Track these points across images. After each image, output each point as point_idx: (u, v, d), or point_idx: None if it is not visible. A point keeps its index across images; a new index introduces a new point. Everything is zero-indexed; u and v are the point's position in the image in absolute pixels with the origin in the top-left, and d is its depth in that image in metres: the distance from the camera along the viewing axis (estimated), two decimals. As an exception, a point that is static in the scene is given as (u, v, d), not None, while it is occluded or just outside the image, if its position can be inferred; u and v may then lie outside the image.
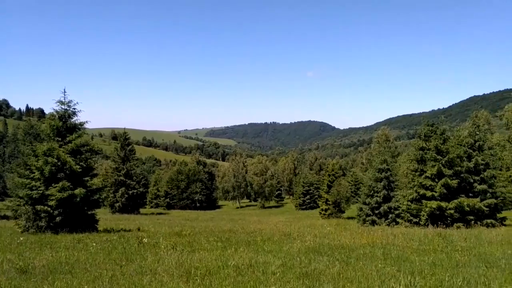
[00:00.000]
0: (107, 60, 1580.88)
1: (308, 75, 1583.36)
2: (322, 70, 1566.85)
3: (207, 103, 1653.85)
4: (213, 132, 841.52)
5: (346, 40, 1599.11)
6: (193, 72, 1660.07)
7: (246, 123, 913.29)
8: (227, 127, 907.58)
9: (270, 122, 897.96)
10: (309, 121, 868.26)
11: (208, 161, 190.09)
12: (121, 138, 63.45)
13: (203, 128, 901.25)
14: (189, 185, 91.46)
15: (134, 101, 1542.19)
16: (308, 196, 76.10)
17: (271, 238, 16.87)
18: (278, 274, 8.75)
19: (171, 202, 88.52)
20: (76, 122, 21.20)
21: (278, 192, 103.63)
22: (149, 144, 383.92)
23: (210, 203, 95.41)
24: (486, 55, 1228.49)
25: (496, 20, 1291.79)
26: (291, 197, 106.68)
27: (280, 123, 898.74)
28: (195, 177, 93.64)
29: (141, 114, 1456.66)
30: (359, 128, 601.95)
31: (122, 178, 59.83)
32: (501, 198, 31.79)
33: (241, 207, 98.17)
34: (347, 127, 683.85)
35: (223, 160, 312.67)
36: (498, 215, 28.77)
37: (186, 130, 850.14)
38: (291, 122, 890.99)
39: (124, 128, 65.71)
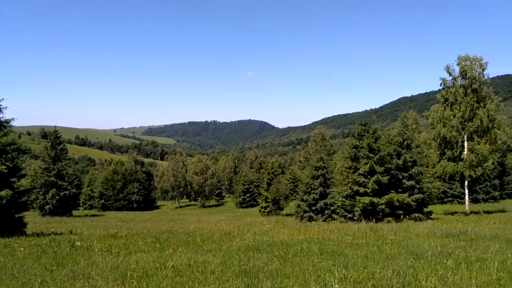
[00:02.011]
0: (35, 51, 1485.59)
1: (248, 75, 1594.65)
2: (262, 70, 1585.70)
3: (145, 101, 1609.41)
4: (151, 131, 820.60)
5: (284, 41, 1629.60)
6: (130, 68, 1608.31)
7: (186, 122, 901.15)
8: (166, 125, 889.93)
9: (211, 121, 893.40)
10: (250, 120, 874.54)
11: (146, 160, 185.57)
12: (52, 136, 60.13)
13: (140, 127, 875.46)
14: (126, 186, 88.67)
15: (66, 98, 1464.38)
16: (248, 194, 76.68)
17: (211, 238, 16.80)
18: (217, 273, 8.74)
19: (106, 203, 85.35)
20: (1, 119, 19.81)
21: (219, 191, 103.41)
22: (83, 143, 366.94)
23: (148, 204, 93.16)
24: (414, 59, 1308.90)
25: (424, 25, 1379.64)
26: (231, 195, 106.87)
27: (221, 121, 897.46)
28: (132, 177, 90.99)
29: (73, 111, 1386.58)
30: (298, 127, 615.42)
31: (52, 179, 56.71)
32: (427, 193, 34.08)
33: (181, 207, 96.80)
34: (286, 126, 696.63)
35: (162, 159, 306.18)
36: (424, 209, 30.75)
37: (123, 128, 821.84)
38: (231, 121, 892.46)
39: (55, 126, 62.41)
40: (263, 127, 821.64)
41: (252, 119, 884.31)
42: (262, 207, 53.47)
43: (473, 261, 9.43)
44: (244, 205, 76.08)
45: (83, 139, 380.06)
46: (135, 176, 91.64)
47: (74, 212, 62.85)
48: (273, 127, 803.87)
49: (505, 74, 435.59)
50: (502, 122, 38.47)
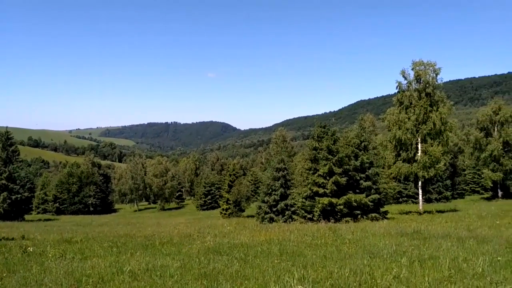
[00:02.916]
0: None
1: (209, 76, 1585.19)
2: (223, 71, 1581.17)
3: (102, 101, 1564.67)
4: (109, 132, 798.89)
5: (245, 42, 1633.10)
6: (86, 67, 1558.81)
7: (146, 123, 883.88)
8: (125, 126, 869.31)
9: (171, 122, 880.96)
10: (211, 122, 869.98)
11: (104, 162, 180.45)
12: (3, 137, 57.32)
13: (97, 128, 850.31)
14: (82, 188, 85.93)
15: (18, 98, 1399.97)
16: (209, 196, 76.24)
17: (170, 241, 16.54)
18: (176, 276, 8.62)
19: (61, 207, 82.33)
20: None
21: (179, 193, 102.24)
22: (36, 144, 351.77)
23: (105, 207, 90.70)
24: (371, 63, 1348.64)
25: (381, 30, 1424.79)
26: (192, 198, 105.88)
27: (182, 123, 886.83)
28: (88, 179, 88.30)
29: (26, 111, 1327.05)
30: (259, 129, 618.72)
31: (3, 182, 54.06)
32: (384, 193, 35.17)
33: (140, 210, 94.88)
34: (248, 128, 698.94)
35: (120, 161, 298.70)
36: (381, 209, 31.68)
37: (79, 129, 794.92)
38: (192, 122, 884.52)
39: (6, 127, 59.66)
40: (224, 129, 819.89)
41: (214, 120, 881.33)
42: (223, 209, 53.29)
43: (426, 259, 9.78)
44: (205, 207, 75.56)
45: (36, 140, 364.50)
46: (91, 179, 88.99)
47: (27, 217, 60.31)
48: (234, 129, 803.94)
49: (456, 79, 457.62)
50: (453, 125, 40.31)
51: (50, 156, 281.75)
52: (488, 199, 58.98)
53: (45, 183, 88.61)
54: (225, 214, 52.14)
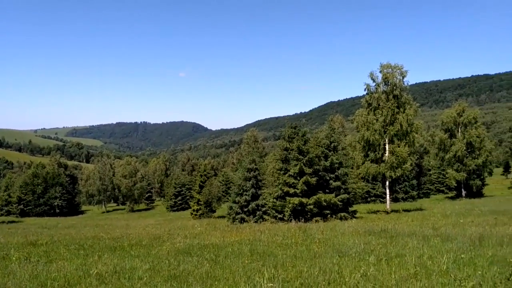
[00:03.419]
0: None
1: (181, 76, 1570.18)
2: (194, 71, 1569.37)
3: (68, 100, 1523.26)
4: (76, 132, 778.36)
5: (217, 43, 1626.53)
6: (52, 65, 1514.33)
7: (114, 122, 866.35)
8: (92, 126, 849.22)
9: (141, 122, 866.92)
10: (182, 122, 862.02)
11: (70, 163, 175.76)
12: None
13: (64, 127, 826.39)
14: (47, 190, 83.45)
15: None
16: (180, 197, 75.55)
17: (140, 242, 16.28)
18: (145, 278, 8.49)
19: (25, 209, 79.69)
20: None
21: (149, 194, 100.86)
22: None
23: (72, 209, 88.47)
24: (341, 65, 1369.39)
25: (349, 34, 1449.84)
26: (162, 199, 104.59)
27: (152, 123, 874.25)
28: (54, 180, 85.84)
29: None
30: (231, 129, 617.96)
31: (-38, 183, 51.83)
32: (353, 193, 35.75)
33: (108, 211, 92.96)
34: (219, 128, 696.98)
35: (88, 162, 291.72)
36: (350, 208, 32.24)
37: (44, 129, 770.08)
38: (163, 122, 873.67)
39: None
40: (195, 129, 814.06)
41: (185, 120, 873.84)
42: (194, 210, 52.89)
43: (393, 257, 10.01)
44: (176, 208, 74.83)
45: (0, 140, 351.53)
46: (57, 180, 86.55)
47: (-12, 219, 58.03)
48: (206, 129, 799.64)
49: (422, 82, 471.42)
50: (419, 126, 41.48)
51: (14, 156, 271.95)
52: (452, 198, 61.01)
53: (9, 184, 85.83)
54: (196, 215, 51.77)
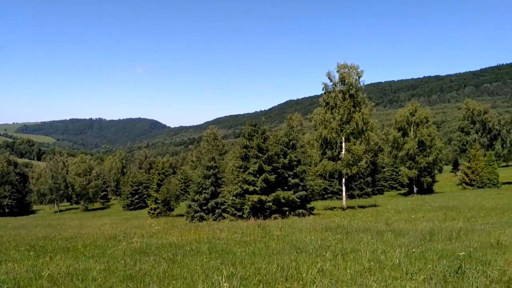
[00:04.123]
0: None
1: (138, 71, 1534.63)
2: (152, 66, 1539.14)
3: (18, 95, 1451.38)
4: (26, 128, 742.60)
5: (176, 38, 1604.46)
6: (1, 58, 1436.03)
7: (68, 119, 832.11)
8: (44, 122, 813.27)
9: (96, 118, 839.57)
10: (139, 118, 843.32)
11: (20, 161, 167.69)
12: None
13: (14, 123, 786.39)
14: (-5, 189, 79.38)
15: None
16: (136, 196, 74.16)
17: (94, 243, 15.81)
18: (99, 279, 8.25)
19: (-30, 209, 75.39)
20: None
21: (104, 193, 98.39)
22: None
23: (22, 208, 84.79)
24: (299, 64, 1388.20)
25: (308, 33, 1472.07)
26: (118, 197, 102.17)
27: (107, 119, 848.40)
28: (3, 179, 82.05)
29: None
30: (190, 127, 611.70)
31: None
32: (310, 190, 36.47)
33: (61, 211, 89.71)
34: (178, 126, 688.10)
35: (39, 159, 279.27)
36: (307, 205, 32.80)
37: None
38: (119, 119, 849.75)
39: None
40: (153, 126, 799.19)
41: (142, 117, 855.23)
42: (151, 209, 52.04)
43: (348, 252, 10.26)
44: (132, 207, 73.33)
45: None
46: (7, 178, 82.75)
47: None
48: (164, 126, 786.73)
49: (377, 82, 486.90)
50: (374, 125, 42.86)
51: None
52: (404, 194, 63.48)
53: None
54: (153, 213, 50.94)
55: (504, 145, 72.93)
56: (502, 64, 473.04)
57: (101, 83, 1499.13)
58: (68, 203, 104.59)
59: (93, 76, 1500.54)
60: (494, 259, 8.51)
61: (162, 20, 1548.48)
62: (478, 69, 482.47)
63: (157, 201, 51.22)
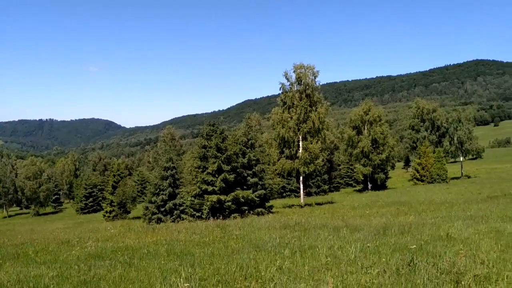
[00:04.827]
0: None
1: (91, 70, 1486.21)
2: (106, 65, 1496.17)
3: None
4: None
5: (131, 37, 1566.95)
6: None
7: (16, 120, 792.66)
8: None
9: (47, 119, 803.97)
10: (93, 119, 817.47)
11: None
12: None
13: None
14: None
15: None
16: (91, 199, 71.90)
17: (46, 248, 15.15)
18: (52, 286, 7.96)
19: None
20: None
21: (56, 196, 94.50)
22: None
23: (-34, 215, 79.77)
24: (258, 63, 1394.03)
25: (262, 33, 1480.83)
26: (71, 201, 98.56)
27: (59, 120, 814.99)
28: None
29: None
30: (146, 127, 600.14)
31: None
32: (269, 189, 36.68)
33: (10, 216, 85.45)
34: (134, 126, 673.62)
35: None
36: (266, 204, 33.04)
37: None
38: (71, 119, 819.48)
39: None
40: (108, 126, 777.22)
41: (96, 117, 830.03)
42: (106, 212, 50.58)
43: (306, 249, 10.43)
44: (86, 210, 70.98)
45: None
46: None
47: None
48: (119, 127, 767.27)
49: (332, 82, 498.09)
50: (330, 124, 43.84)
51: None
52: (359, 191, 65.31)
53: None
54: (109, 217, 49.53)
55: (452, 142, 76.56)
56: (450, 64, 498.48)
57: (51, 83, 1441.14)
58: (18, 208, 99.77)
59: (43, 75, 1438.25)
60: (444, 251, 8.92)
61: (116, 17, 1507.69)
62: (427, 69, 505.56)
63: (113, 203, 49.84)
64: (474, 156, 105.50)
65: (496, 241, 9.97)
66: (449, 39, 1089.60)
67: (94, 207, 70.46)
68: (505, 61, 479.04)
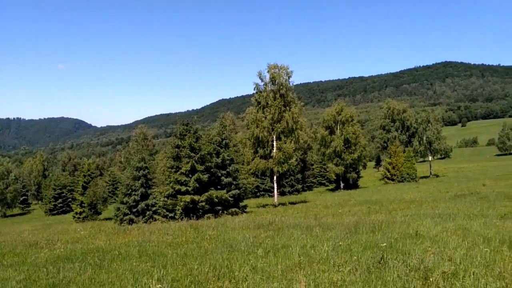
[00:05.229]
0: None
1: (60, 68, 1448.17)
2: (76, 63, 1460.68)
3: None
4: None
5: (102, 35, 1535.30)
6: None
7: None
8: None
9: (14, 118, 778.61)
10: (62, 118, 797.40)
11: None
12: None
13: None
14: None
15: None
16: (60, 200, 70.15)
17: (13, 251, 14.68)
18: (18, 290, 7.70)
19: None
20: None
21: (24, 197, 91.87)
22: None
23: None
24: (232, 63, 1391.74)
25: (237, 33, 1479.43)
26: (40, 202, 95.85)
27: (27, 119, 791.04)
28: None
29: None
30: (118, 126, 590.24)
31: None
32: (243, 188, 36.73)
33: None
34: (105, 125, 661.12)
35: None
36: (240, 203, 33.03)
37: None
38: (40, 119, 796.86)
39: None
40: (78, 126, 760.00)
41: (65, 116, 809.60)
42: (76, 213, 49.46)
43: (279, 248, 10.48)
44: (56, 212, 69.19)
45: None
46: None
47: None
48: (90, 126, 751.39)
49: (306, 82, 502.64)
50: (303, 124, 44.22)
51: None
52: (332, 190, 66.18)
53: None
54: (79, 218, 48.44)
55: (421, 142, 78.62)
56: (419, 66, 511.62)
57: (19, 81, 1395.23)
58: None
59: (10, 73, 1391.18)
60: (413, 249, 9.13)
61: (85, 13, 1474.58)
62: (398, 70, 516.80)
63: (83, 204, 48.78)
64: (443, 156, 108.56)
65: (463, 238, 10.26)
66: (419, 41, 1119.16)
67: (64, 209, 68.77)
68: (472, 63, 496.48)
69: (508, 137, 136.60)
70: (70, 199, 66.55)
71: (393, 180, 66.43)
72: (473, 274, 6.78)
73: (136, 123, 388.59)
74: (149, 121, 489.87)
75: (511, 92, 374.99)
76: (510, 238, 9.64)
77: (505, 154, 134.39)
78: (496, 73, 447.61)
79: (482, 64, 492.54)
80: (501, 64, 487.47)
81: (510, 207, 17.43)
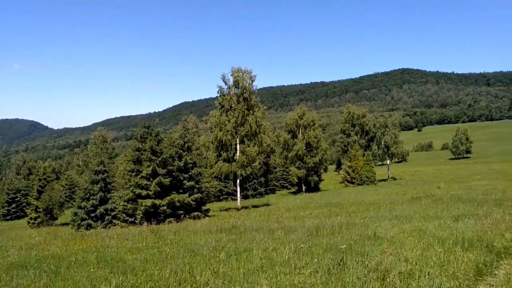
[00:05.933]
0: None
1: (15, 67, 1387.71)
2: (32, 62, 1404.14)
3: None
4: None
5: (59, 32, 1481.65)
6: None
7: None
8: None
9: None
10: (17, 119, 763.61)
11: None
12: None
13: None
14: None
15: None
16: (14, 205, 66.98)
17: (-40, 259, 13.89)
18: (-34, 301, 7.30)
19: None
20: None
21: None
22: None
23: None
24: (194, 66, 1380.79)
25: (200, 35, 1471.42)
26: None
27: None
28: None
29: None
30: (76, 129, 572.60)
31: None
32: (206, 192, 36.48)
33: None
34: (62, 127, 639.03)
35: None
36: (203, 207, 32.74)
37: None
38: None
39: None
40: (33, 128, 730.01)
41: (20, 118, 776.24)
42: (31, 218, 47.35)
43: (242, 251, 10.49)
44: (9, 217, 66.01)
45: None
46: None
47: None
48: (46, 128, 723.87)
49: (269, 86, 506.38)
50: (267, 127, 44.48)
51: None
52: (294, 193, 66.88)
53: None
54: (34, 223, 46.41)
55: (379, 146, 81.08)
56: (378, 72, 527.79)
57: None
58: None
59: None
60: (372, 250, 9.38)
61: (43, 10, 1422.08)
62: (358, 76, 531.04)
63: (38, 209, 46.79)
64: (400, 160, 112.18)
65: (419, 239, 10.62)
66: (379, 48, 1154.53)
67: (18, 214, 65.77)
68: (428, 70, 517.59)
69: (461, 141, 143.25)
70: (24, 204, 63.71)
71: (353, 183, 67.94)
72: (428, 274, 7.04)
73: (95, 125, 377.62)
74: (109, 123, 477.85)
75: (464, 99, 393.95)
76: (463, 239, 10.07)
77: (458, 158, 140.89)
78: (450, 80, 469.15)
79: (437, 72, 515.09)
80: (455, 72, 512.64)
81: (463, 209, 18.21)
